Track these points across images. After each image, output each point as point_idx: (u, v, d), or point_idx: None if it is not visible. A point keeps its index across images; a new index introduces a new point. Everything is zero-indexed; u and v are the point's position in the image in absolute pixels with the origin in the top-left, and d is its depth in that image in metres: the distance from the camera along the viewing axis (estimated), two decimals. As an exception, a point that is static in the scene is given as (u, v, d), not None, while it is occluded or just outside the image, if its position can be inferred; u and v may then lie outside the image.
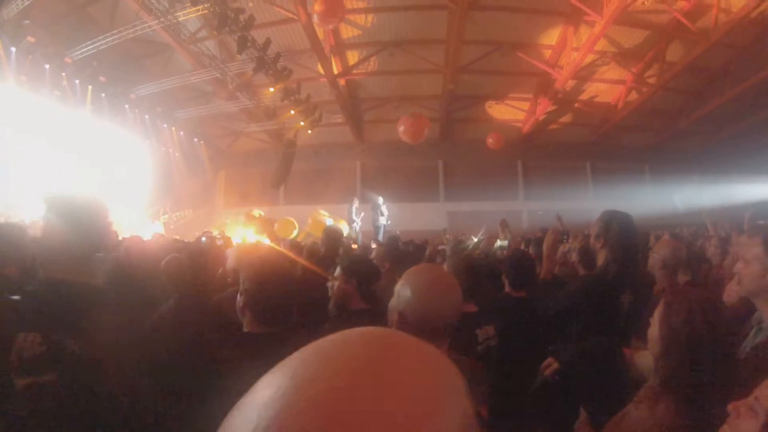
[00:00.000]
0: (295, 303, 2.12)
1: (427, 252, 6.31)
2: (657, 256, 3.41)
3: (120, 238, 6.18)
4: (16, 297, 1.69)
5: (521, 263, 3.47)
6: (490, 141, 16.88)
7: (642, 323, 2.03)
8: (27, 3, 10.70)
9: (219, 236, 8.18)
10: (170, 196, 16.74)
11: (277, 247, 4.98)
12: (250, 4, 11.88)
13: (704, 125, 18.20)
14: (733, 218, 13.34)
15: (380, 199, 14.62)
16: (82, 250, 1.70)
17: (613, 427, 1.68)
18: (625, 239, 2.79)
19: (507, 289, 3.42)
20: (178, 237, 11.02)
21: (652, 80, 15.20)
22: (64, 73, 12.89)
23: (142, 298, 1.98)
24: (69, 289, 1.62)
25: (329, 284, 3.02)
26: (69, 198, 1.79)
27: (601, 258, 2.88)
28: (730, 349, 1.59)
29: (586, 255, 3.62)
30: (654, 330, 1.68)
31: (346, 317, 2.78)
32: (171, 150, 17.83)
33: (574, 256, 3.93)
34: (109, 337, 1.49)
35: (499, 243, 6.16)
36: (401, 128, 13.70)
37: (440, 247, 7.44)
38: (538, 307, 3.10)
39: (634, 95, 16.49)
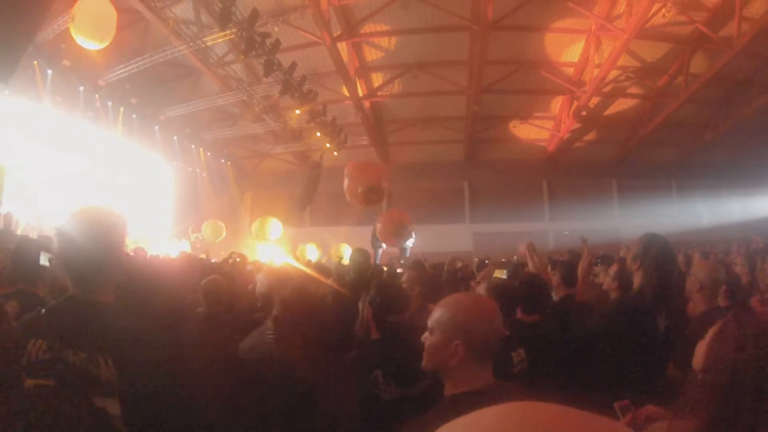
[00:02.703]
0: (325, 336, 2.08)
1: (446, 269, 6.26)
2: (694, 279, 3.37)
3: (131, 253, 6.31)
4: (43, 311, 1.84)
5: (533, 287, 3.34)
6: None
7: (677, 347, 1.99)
8: (63, 27, 11.08)
9: (248, 261, 8.25)
10: (197, 216, 16.96)
11: (307, 271, 4.99)
12: (276, 29, 12.13)
13: (731, 137, 17.82)
14: (765, 232, 13.03)
15: None
16: (96, 267, 1.75)
17: None
18: (663, 263, 2.78)
19: (519, 314, 3.30)
20: (203, 256, 11.17)
21: (676, 93, 15.01)
22: (97, 95, 13.33)
23: (152, 313, 2.00)
24: (81, 307, 1.72)
25: (360, 305, 3.03)
26: (81, 216, 1.81)
27: (637, 280, 2.87)
28: None
29: (624, 277, 3.56)
30: (702, 347, 1.63)
31: (367, 346, 2.78)
32: (198, 170, 18.17)
33: (608, 281, 3.88)
34: (112, 353, 1.59)
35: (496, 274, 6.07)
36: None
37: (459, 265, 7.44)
38: (570, 331, 3.07)
39: (658, 110, 16.31)
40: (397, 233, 11.96)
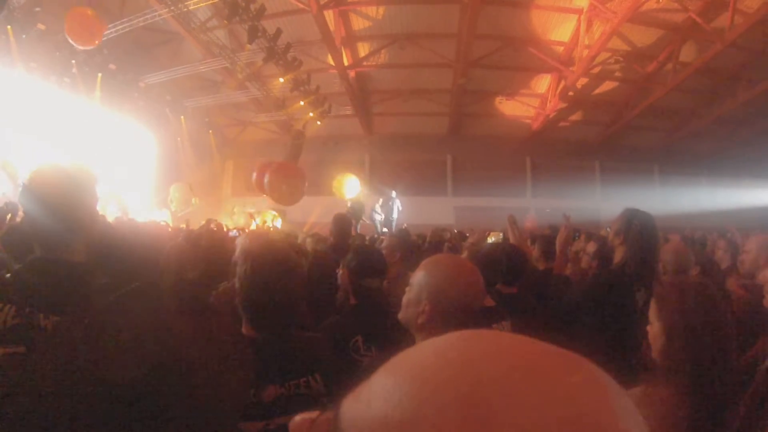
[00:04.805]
0: (297, 306, 1.98)
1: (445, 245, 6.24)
2: (667, 262, 3.39)
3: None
4: (8, 275, 1.74)
5: (512, 258, 3.32)
6: None
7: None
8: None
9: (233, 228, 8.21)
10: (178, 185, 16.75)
11: (286, 236, 4.93)
12: (262, -6, 11.85)
13: (715, 128, 18.08)
14: (741, 222, 13.30)
15: (393, 193, 14.67)
16: (64, 226, 1.67)
17: None
18: (645, 238, 2.77)
19: (498, 285, 3.31)
20: (183, 225, 11.06)
21: (664, 80, 15.04)
22: (74, 61, 12.89)
23: (124, 275, 1.87)
24: (51, 267, 1.64)
25: (339, 272, 2.99)
26: (45, 173, 1.74)
27: (618, 255, 2.86)
28: (727, 330, 1.64)
29: (604, 254, 3.55)
30: (655, 327, 1.72)
31: (347, 311, 2.73)
32: (179, 139, 17.88)
33: (587, 259, 3.88)
34: (85, 317, 1.48)
35: (492, 239, 6.10)
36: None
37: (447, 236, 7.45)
38: (549, 304, 3.06)
39: (645, 95, 16.34)
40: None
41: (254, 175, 12.95)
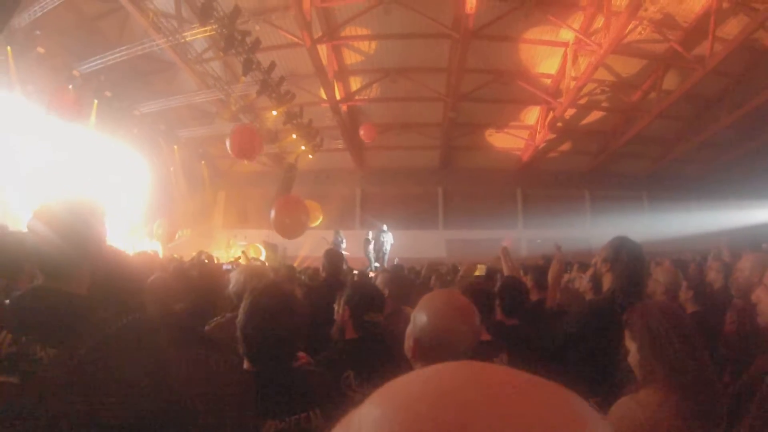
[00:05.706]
0: (298, 341, 1.99)
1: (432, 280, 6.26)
2: (659, 282, 3.45)
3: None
4: (7, 301, 1.74)
5: (514, 290, 3.43)
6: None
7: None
8: (39, 14, 10.81)
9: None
10: (169, 215, 16.68)
11: (284, 270, 4.95)
12: (257, 27, 12.05)
13: (701, 152, 18.37)
14: (731, 242, 13.44)
15: (384, 227, 14.72)
16: (68, 257, 1.66)
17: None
18: (634, 265, 2.81)
19: (499, 316, 3.36)
20: (176, 255, 11.03)
21: (649, 108, 15.33)
22: (71, 86, 12.87)
23: (124, 308, 1.85)
24: (52, 297, 1.62)
25: (335, 307, 3.00)
26: (56, 204, 1.74)
27: (606, 282, 2.89)
28: (692, 334, 1.84)
29: (598, 281, 3.61)
30: (631, 349, 1.92)
31: (341, 346, 2.73)
32: (172, 168, 17.85)
33: (584, 283, 3.93)
34: (79, 352, 1.48)
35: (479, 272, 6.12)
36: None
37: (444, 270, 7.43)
38: (543, 336, 3.08)
39: (631, 123, 16.63)
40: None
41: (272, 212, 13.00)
